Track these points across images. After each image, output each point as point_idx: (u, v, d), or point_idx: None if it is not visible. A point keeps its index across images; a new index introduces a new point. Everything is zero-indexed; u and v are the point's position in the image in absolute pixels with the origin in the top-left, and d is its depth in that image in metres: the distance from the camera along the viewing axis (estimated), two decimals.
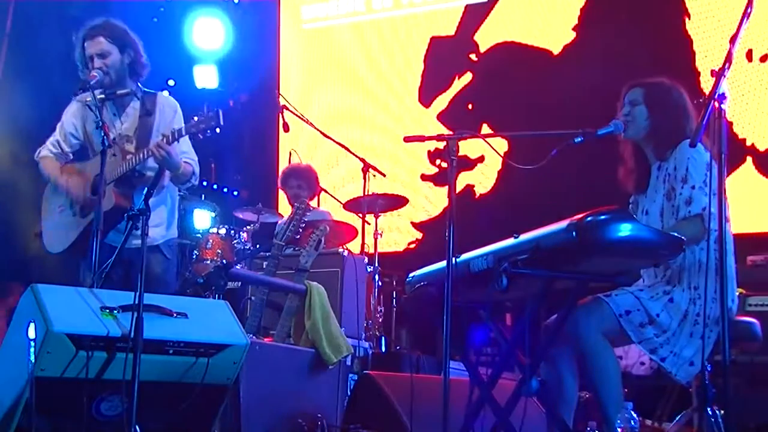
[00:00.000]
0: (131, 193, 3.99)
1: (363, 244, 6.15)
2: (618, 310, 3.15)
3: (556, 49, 7.03)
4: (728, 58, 2.80)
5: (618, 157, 3.66)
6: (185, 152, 4.11)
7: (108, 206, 3.85)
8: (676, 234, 3.02)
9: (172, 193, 4.25)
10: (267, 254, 4.85)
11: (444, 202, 6.69)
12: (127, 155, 3.94)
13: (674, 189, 3.32)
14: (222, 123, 3.74)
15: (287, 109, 6.25)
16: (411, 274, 3.58)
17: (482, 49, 7.37)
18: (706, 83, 5.98)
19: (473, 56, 7.40)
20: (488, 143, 3.58)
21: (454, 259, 3.09)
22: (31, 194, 4.39)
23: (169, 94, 4.35)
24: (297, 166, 6.39)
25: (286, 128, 6.27)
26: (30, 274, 5.57)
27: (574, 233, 2.82)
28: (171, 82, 7.59)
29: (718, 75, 2.79)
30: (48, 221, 4.18)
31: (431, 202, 7.34)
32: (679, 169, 3.30)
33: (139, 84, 4.16)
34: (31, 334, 2.82)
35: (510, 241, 3.04)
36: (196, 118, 3.82)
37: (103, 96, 4.02)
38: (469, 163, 7.11)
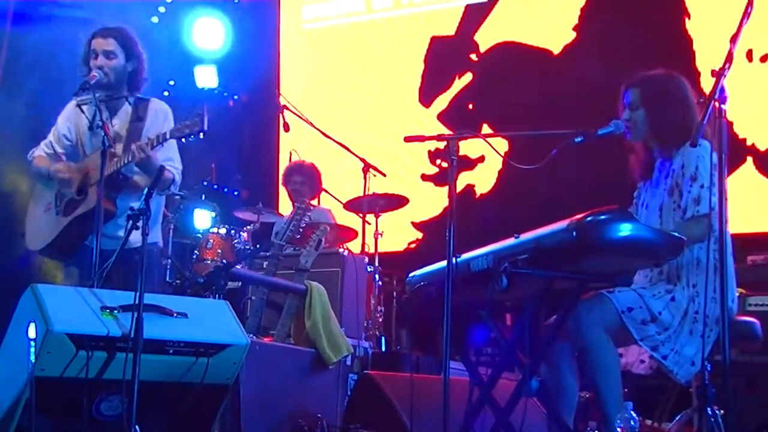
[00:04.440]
0: (114, 195, 3.98)
1: (363, 244, 6.15)
2: (620, 307, 3.15)
3: (556, 49, 7.03)
4: (728, 58, 2.80)
5: (618, 155, 3.66)
6: (170, 159, 4.08)
7: (90, 206, 3.85)
8: (684, 236, 3.01)
9: (158, 200, 4.23)
10: (267, 254, 4.85)
11: (444, 202, 6.69)
12: (114, 158, 3.94)
13: (679, 185, 3.31)
14: (206, 128, 3.69)
15: (287, 109, 6.25)
16: (411, 274, 3.58)
17: (482, 49, 7.37)
18: (706, 83, 5.97)
19: (473, 56, 7.40)
20: (488, 143, 3.58)
21: (454, 259, 3.09)
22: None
23: (170, 94, 4.34)
24: (301, 162, 6.41)
25: (287, 128, 6.27)
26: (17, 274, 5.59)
27: (574, 233, 2.82)
28: (171, 82, 7.59)
29: (718, 75, 2.79)
30: (32, 218, 4.19)
31: (431, 201, 7.34)
32: (688, 166, 3.28)
33: (132, 94, 4.15)
34: (32, 333, 2.82)
35: (510, 241, 3.04)
36: (181, 123, 3.81)
37: (98, 97, 4.03)
38: (469, 163, 7.11)
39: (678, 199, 3.31)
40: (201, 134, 3.71)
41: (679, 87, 3.46)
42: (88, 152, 4.10)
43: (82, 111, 3.99)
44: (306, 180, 6.15)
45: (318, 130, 6.21)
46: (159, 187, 4.06)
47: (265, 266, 4.74)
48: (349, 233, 6.16)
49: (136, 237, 3.90)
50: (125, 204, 3.94)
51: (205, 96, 7.90)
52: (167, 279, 6.12)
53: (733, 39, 2.83)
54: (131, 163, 3.88)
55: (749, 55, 6.14)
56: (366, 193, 6.03)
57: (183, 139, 3.81)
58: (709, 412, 2.97)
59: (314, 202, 6.37)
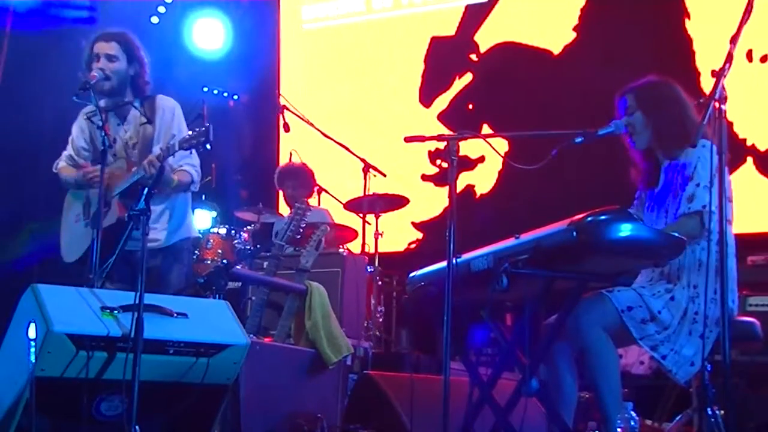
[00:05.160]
0: (135, 204, 3.99)
1: (363, 244, 6.15)
2: (620, 306, 3.15)
3: (556, 49, 7.03)
4: (728, 58, 2.80)
5: (618, 155, 3.66)
6: (187, 156, 4.12)
7: (112, 219, 3.87)
8: (675, 232, 3.02)
9: (183, 196, 4.25)
10: (267, 254, 4.85)
11: (444, 202, 6.69)
12: (133, 167, 3.96)
13: (681, 186, 3.32)
14: (212, 139, 3.74)
15: (287, 109, 6.25)
16: (411, 274, 3.58)
17: (482, 49, 7.37)
18: (706, 83, 5.98)
19: (473, 56, 7.40)
20: (488, 143, 3.58)
21: (454, 259, 3.09)
22: (33, 194, 4.41)
23: (171, 95, 4.35)
24: (289, 166, 6.39)
25: (287, 128, 6.27)
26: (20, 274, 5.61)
27: (574, 233, 2.82)
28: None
29: (718, 75, 2.79)
30: (65, 231, 4.25)
31: (431, 201, 7.34)
32: (689, 167, 3.30)
33: (136, 99, 4.16)
34: (32, 334, 2.82)
35: (510, 242, 3.04)
36: (189, 133, 3.85)
37: (104, 106, 4.06)
38: (469, 163, 7.11)
39: (678, 199, 3.32)
40: (208, 146, 3.74)
41: (671, 88, 3.50)
42: (107, 160, 4.11)
43: (93, 122, 4.02)
44: (298, 183, 6.16)
45: (318, 130, 6.21)
46: (177, 191, 4.08)
47: (265, 266, 4.74)
48: (348, 232, 6.15)
49: (160, 236, 3.97)
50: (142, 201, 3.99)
51: (206, 96, 7.92)
52: None
53: (733, 39, 2.83)
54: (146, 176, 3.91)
55: (749, 55, 6.14)
56: (366, 193, 6.03)
57: (191, 151, 3.84)
58: (709, 413, 2.97)
59: (314, 201, 6.37)
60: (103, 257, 3.89)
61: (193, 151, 4.15)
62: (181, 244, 4.23)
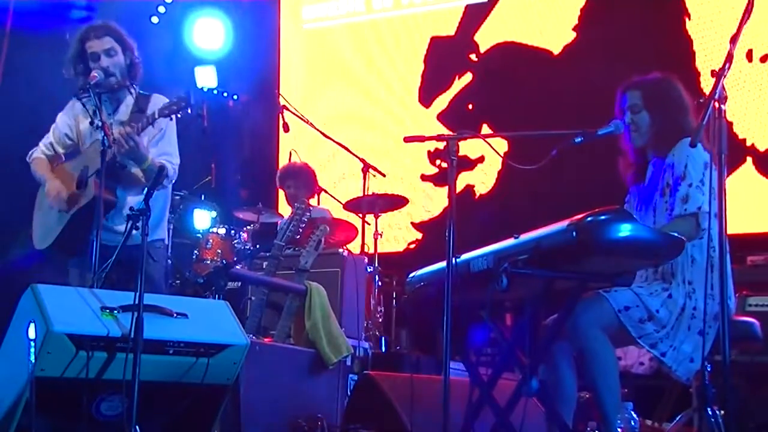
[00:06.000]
0: (114, 185, 3.97)
1: (363, 244, 6.15)
2: (617, 306, 3.15)
3: (556, 49, 7.03)
4: (728, 58, 2.80)
5: (618, 152, 3.66)
6: (167, 153, 4.08)
7: (89, 197, 3.85)
8: (674, 233, 3.02)
9: (163, 194, 4.22)
10: (267, 254, 4.85)
11: (444, 202, 6.69)
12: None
13: (670, 186, 3.32)
14: (192, 102, 3.75)
15: (287, 109, 6.25)
16: (411, 274, 3.58)
17: (482, 49, 7.37)
18: (706, 83, 5.98)
19: (473, 56, 7.41)
20: (488, 143, 3.58)
21: (454, 259, 3.09)
22: (33, 195, 4.39)
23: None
24: (292, 166, 6.38)
25: (286, 128, 6.27)
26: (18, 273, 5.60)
27: (574, 233, 2.82)
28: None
29: (718, 75, 2.79)
30: (38, 218, 4.20)
31: (432, 200, 7.34)
32: (678, 166, 3.30)
33: (134, 85, 4.17)
34: (32, 334, 2.82)
35: (510, 242, 3.04)
36: (168, 102, 3.86)
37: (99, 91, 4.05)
38: (469, 163, 7.11)
39: (669, 200, 3.32)
40: (189, 110, 3.76)
41: (678, 89, 3.49)
42: (85, 148, 4.09)
43: (83, 105, 4.00)
44: (300, 183, 6.14)
45: (318, 130, 6.21)
46: (149, 178, 4.04)
47: (265, 266, 4.74)
48: (349, 228, 6.15)
49: (135, 233, 3.92)
50: (125, 195, 3.96)
51: (205, 96, 7.92)
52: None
53: (733, 39, 2.83)
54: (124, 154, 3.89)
55: (749, 55, 6.14)
56: (366, 194, 6.03)
57: (172, 117, 3.83)
58: (709, 412, 2.97)
59: (314, 201, 6.37)
60: (77, 236, 3.86)
61: (175, 148, 4.13)
62: (156, 244, 4.15)
